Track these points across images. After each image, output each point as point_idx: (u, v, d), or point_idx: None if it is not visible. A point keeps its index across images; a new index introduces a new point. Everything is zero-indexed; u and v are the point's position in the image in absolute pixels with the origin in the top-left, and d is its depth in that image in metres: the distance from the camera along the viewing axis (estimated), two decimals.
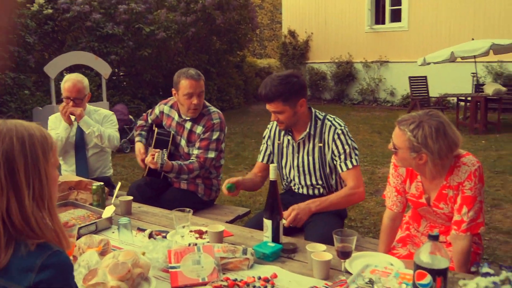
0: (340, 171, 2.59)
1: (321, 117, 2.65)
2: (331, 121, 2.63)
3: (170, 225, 2.47)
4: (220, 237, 2.18)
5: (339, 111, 12.28)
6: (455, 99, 10.76)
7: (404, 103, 13.86)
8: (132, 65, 10.02)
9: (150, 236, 2.25)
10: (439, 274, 1.43)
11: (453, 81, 12.23)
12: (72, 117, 3.37)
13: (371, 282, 1.76)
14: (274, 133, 2.80)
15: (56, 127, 3.45)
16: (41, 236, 1.23)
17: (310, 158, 2.64)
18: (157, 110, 3.37)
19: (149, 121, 3.43)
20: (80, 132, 3.46)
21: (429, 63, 10.56)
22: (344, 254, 1.86)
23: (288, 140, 2.71)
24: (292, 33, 16.18)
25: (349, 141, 2.58)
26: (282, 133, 2.74)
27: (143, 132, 3.39)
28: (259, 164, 2.88)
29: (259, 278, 1.81)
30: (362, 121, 10.80)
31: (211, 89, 12.34)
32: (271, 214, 2.11)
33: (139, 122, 3.48)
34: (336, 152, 2.57)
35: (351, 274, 1.82)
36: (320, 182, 2.68)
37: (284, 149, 2.74)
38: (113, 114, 3.59)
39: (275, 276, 1.83)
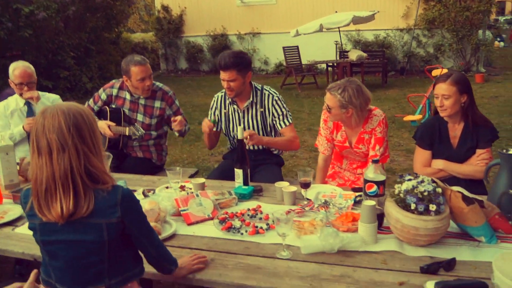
0: (279, 128, 3.28)
1: (260, 88, 3.30)
2: (268, 90, 3.29)
3: (149, 185, 2.96)
4: (202, 186, 2.75)
5: (218, 82, 12.52)
6: (325, 65, 12.09)
7: (277, 71, 15.03)
8: (12, 46, 9.58)
9: (144, 193, 2.74)
10: (381, 184, 2.20)
11: (320, 49, 13.59)
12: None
13: (326, 202, 2.50)
14: (220, 104, 3.39)
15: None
16: (108, 180, 1.63)
17: (254, 121, 3.30)
18: (103, 95, 3.62)
19: (96, 108, 3.65)
20: None
21: (300, 34, 11.67)
22: (306, 185, 2.56)
23: (234, 108, 3.32)
24: (165, 8, 16.33)
25: (285, 105, 3.28)
26: (227, 103, 3.34)
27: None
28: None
29: (249, 209, 2.45)
30: None
31: (93, 66, 12.23)
32: (241, 165, 2.73)
33: None
34: (276, 114, 3.25)
35: (310, 199, 2.54)
36: None
37: (231, 116, 3.35)
38: (59, 98, 3.83)
39: (259, 207, 2.48)
